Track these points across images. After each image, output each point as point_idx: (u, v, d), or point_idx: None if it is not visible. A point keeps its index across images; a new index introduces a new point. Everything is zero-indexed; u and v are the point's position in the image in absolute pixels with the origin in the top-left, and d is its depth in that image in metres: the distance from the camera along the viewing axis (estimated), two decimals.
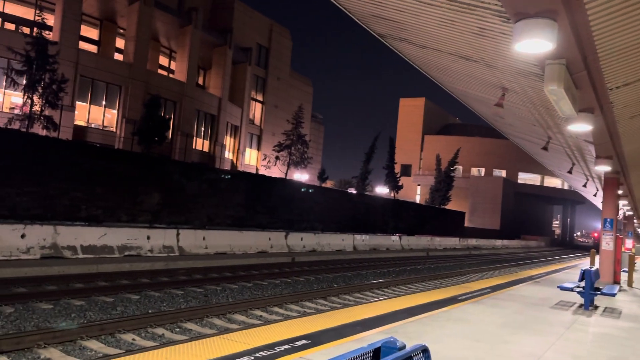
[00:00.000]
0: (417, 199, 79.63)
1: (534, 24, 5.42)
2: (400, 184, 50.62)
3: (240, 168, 44.47)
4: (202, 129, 40.50)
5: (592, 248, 30.37)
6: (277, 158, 39.61)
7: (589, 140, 12.09)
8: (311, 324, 7.77)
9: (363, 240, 28.07)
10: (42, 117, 23.77)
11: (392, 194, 50.01)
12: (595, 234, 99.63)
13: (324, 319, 8.29)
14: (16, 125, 22.92)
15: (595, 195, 30.25)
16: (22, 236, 12.74)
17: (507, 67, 9.11)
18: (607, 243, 16.48)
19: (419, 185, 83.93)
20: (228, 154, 44.69)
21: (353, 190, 44.42)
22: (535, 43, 5.58)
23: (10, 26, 31.12)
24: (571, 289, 11.47)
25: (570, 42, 6.05)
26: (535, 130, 15.70)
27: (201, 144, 40.35)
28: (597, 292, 11.35)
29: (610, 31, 6.16)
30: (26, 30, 28.21)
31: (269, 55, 50.60)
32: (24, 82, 23.63)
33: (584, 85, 7.66)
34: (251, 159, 49.02)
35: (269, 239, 20.89)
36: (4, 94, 27.83)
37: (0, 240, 12.28)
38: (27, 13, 32.04)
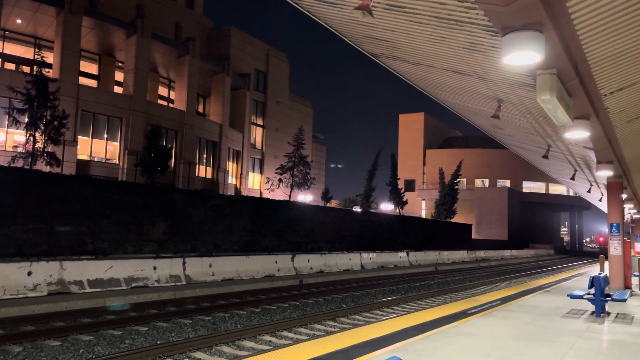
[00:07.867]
0: (423, 214, 79.41)
1: (521, 36, 5.50)
2: (404, 199, 50.46)
3: (244, 192, 44.58)
4: (205, 156, 40.77)
5: (599, 254, 30.12)
6: (280, 180, 39.66)
7: (589, 146, 12.11)
8: (320, 346, 7.72)
9: (370, 258, 27.93)
10: (44, 154, 23.96)
11: (398, 210, 49.85)
12: (601, 239, 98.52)
13: (333, 341, 8.23)
14: (20, 163, 23.09)
15: (600, 200, 30.12)
16: (29, 274, 12.76)
17: (501, 79, 9.19)
18: (615, 248, 16.38)
19: (423, 199, 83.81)
20: (231, 179, 44.85)
21: (358, 209, 44.32)
22: (524, 55, 5.66)
23: (11, 66, 31.67)
24: (581, 297, 11.38)
25: (559, 52, 6.12)
26: (534, 139, 15.75)
27: (204, 170, 40.57)
28: (607, 298, 11.24)
29: (598, 39, 6.23)
30: (26, 69, 28.63)
31: (267, 80, 51.14)
32: (26, 120, 23.88)
33: (577, 93, 7.71)
34: (254, 183, 49.15)
35: (276, 262, 20.83)
36: (7, 133, 28.16)
37: (7, 278, 12.31)
38: (27, 52, 32.65)
